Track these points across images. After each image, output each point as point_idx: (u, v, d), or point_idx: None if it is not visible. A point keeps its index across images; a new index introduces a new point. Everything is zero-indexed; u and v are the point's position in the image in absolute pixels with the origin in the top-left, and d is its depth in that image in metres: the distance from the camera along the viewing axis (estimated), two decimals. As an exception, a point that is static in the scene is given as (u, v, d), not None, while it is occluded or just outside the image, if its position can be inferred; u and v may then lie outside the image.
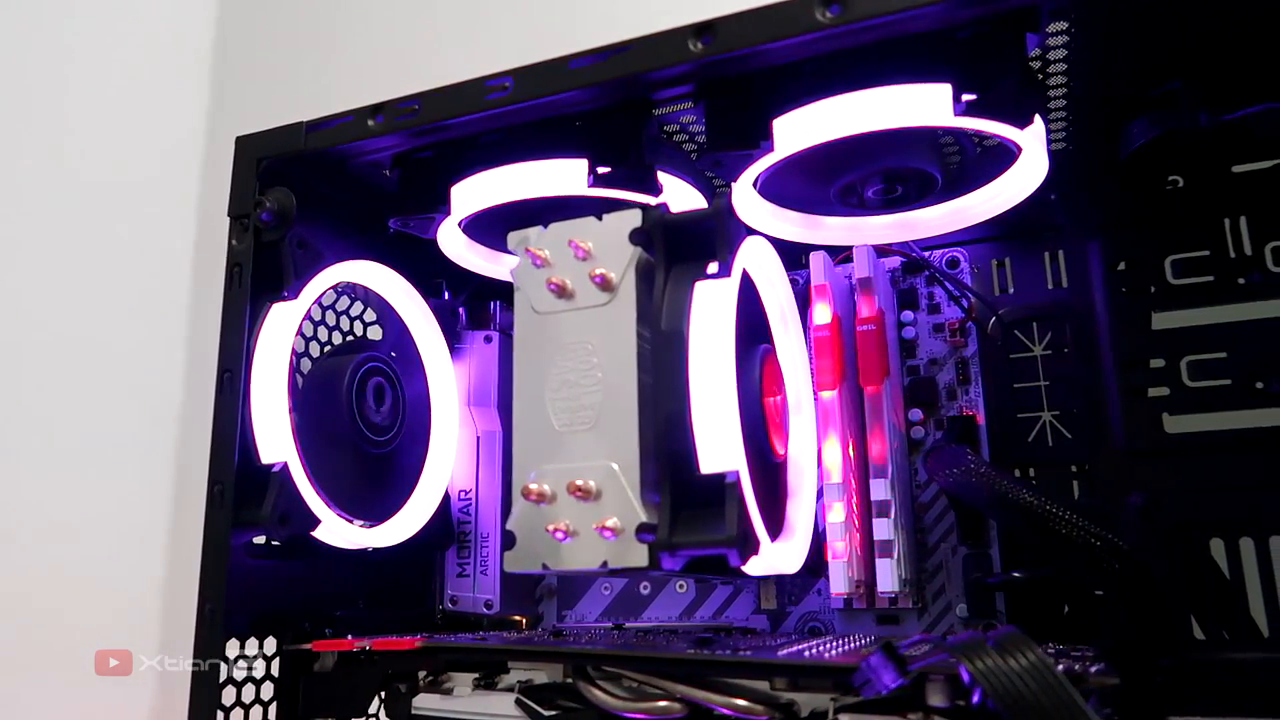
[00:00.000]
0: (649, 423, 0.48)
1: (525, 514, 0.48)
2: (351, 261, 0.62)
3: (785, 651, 0.47)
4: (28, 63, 1.04)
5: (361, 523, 0.62)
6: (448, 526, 0.69)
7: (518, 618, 0.72)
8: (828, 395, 0.58)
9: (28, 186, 1.02)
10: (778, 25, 0.47)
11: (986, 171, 0.59)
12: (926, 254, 0.66)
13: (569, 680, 0.50)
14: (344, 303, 0.68)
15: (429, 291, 0.71)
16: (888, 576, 0.55)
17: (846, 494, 0.57)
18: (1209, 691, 0.57)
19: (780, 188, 0.61)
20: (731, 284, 0.48)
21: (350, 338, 0.68)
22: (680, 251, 0.50)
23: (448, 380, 0.69)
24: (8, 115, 1.01)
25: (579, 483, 0.47)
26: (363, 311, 0.69)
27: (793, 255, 0.64)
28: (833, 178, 0.59)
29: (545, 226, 0.52)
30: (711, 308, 0.47)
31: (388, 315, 0.68)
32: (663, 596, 0.69)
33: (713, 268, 0.49)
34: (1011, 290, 0.66)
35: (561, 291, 0.50)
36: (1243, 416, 0.59)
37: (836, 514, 0.57)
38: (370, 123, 0.56)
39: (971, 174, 0.61)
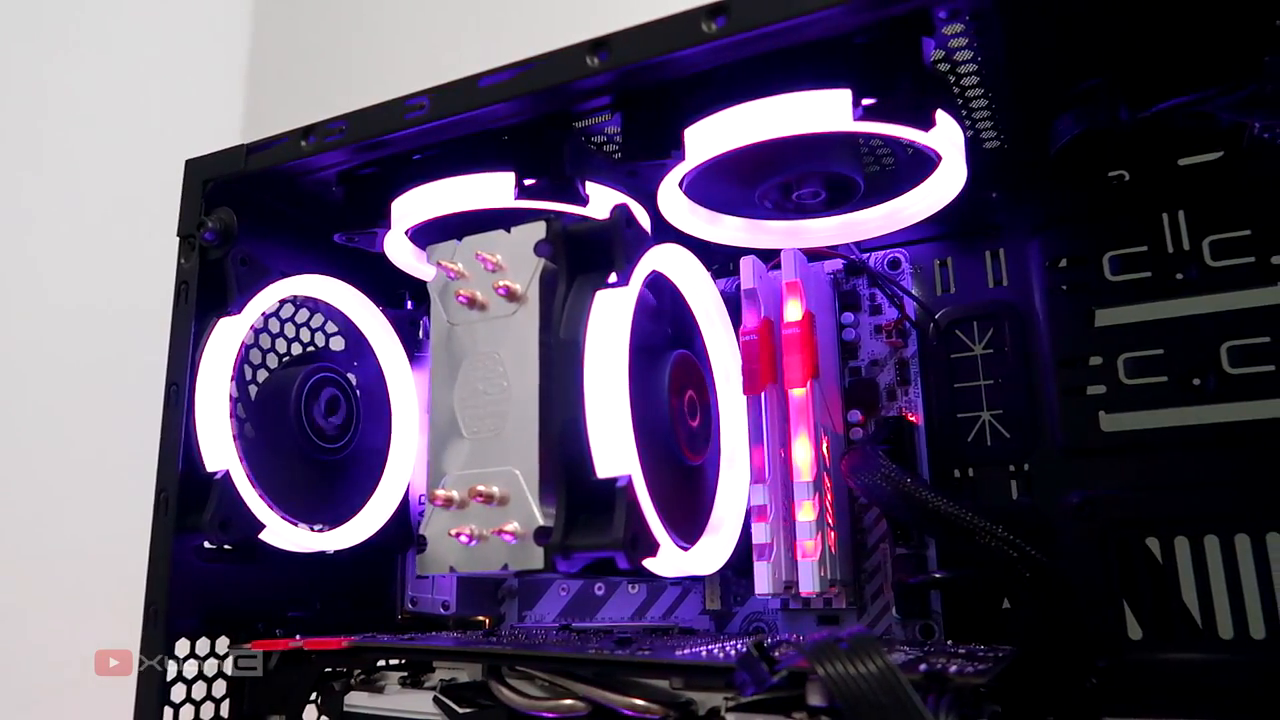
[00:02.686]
0: (549, 430, 0.49)
1: (435, 519, 0.50)
2: (299, 276, 0.65)
3: (684, 652, 0.48)
4: (62, 71, 1.10)
5: (319, 526, 0.65)
6: (407, 530, 0.71)
7: (481, 618, 0.74)
8: (756, 398, 0.59)
9: (54, 191, 1.07)
10: (668, 38, 0.48)
11: (920, 173, 0.60)
12: (866, 255, 0.67)
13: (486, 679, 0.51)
14: (304, 315, 0.71)
15: (391, 302, 0.74)
16: (808, 578, 0.55)
17: (774, 495, 0.58)
18: (1144, 692, 0.56)
19: (716, 194, 0.62)
20: (628, 293, 0.49)
21: (311, 349, 0.71)
22: (583, 262, 0.51)
23: (407, 388, 0.71)
24: (43, 121, 1.07)
25: (481, 488, 0.49)
26: (324, 323, 0.72)
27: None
28: (755, 183, 0.59)
29: (460, 239, 0.54)
30: (607, 317, 0.48)
31: (347, 326, 0.71)
32: (616, 598, 0.70)
33: (614, 277, 0.50)
34: (953, 290, 0.66)
35: (472, 303, 0.52)
36: (1179, 414, 0.58)
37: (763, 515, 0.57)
38: (303, 144, 0.58)
39: (906, 176, 0.61)
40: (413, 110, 0.55)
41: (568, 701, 0.48)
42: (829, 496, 0.59)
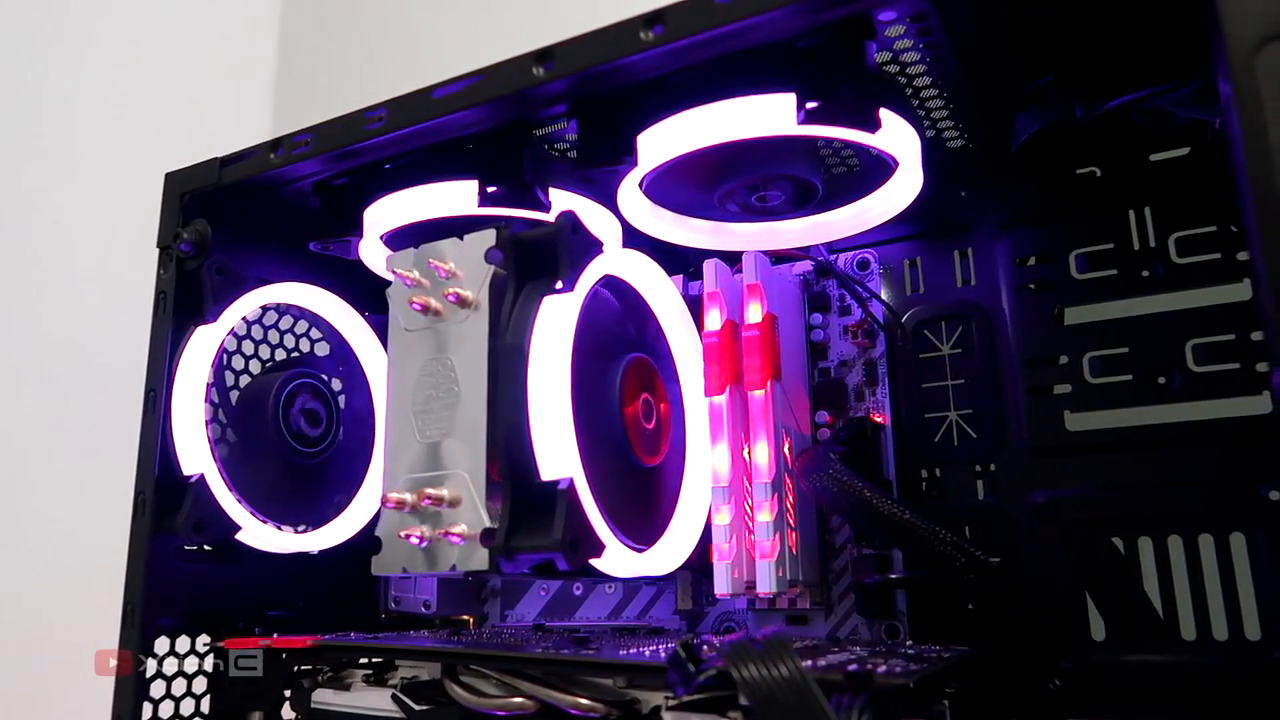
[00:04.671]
0: (496, 433, 0.50)
1: (388, 521, 0.52)
2: (280, 284, 0.66)
3: (628, 651, 0.48)
4: (89, 75, 1.14)
5: (302, 527, 0.67)
6: (390, 530, 0.72)
7: (465, 617, 0.75)
8: (717, 400, 0.59)
9: (77, 191, 1.11)
10: (608, 48, 0.49)
11: (882, 174, 0.60)
12: (835, 256, 0.67)
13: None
14: (287, 321, 0.73)
15: (376, 308, 0.75)
16: (765, 578, 0.56)
17: (735, 496, 0.58)
18: (1107, 693, 0.56)
19: (679, 197, 0.62)
20: (573, 299, 0.50)
21: (295, 354, 0.73)
22: (531, 268, 0.52)
23: (391, 391, 0.73)
24: (67, 123, 1.11)
25: (431, 491, 0.50)
26: (308, 329, 0.74)
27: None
28: (715, 186, 0.60)
29: (417, 247, 0.55)
30: (551, 322, 0.49)
31: (330, 332, 0.72)
32: (593, 598, 0.71)
33: (560, 284, 0.51)
34: (922, 289, 0.66)
35: (426, 310, 0.53)
36: (1142, 414, 0.58)
37: (723, 516, 0.58)
38: (272, 156, 0.60)
39: (871, 177, 0.61)
40: (373, 122, 0.57)
41: (517, 700, 0.49)
42: (790, 497, 0.59)
